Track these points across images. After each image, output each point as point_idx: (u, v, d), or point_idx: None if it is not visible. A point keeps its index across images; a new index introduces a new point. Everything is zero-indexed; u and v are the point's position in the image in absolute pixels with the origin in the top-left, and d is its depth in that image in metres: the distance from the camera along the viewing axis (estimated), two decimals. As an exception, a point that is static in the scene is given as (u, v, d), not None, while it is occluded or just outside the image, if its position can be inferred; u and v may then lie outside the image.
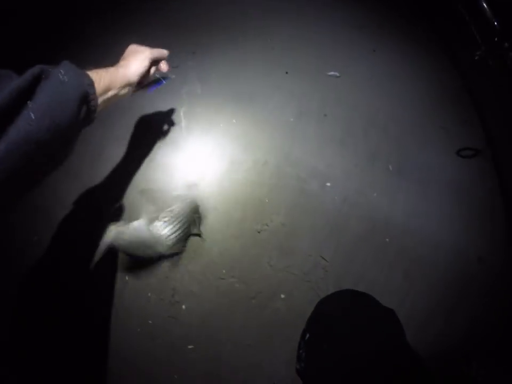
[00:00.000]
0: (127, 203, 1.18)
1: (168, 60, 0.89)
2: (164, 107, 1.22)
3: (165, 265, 1.18)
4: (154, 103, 1.23)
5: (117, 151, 1.22)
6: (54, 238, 1.25)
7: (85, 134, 1.16)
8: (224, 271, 1.16)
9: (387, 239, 1.17)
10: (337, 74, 1.18)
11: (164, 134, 1.22)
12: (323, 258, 1.14)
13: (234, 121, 1.17)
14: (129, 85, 0.73)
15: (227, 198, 1.15)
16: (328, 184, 1.14)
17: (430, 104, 1.28)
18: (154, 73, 0.87)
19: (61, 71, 0.52)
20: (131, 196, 1.17)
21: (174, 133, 1.22)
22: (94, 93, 0.60)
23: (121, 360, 1.13)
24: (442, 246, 1.19)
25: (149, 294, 1.18)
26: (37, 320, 1.15)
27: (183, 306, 1.16)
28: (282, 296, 1.15)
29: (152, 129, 1.25)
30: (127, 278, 1.20)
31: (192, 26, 1.32)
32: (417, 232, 1.18)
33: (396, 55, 1.28)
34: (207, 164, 1.16)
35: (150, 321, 1.15)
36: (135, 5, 1.35)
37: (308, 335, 1.13)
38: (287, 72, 1.21)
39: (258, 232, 1.13)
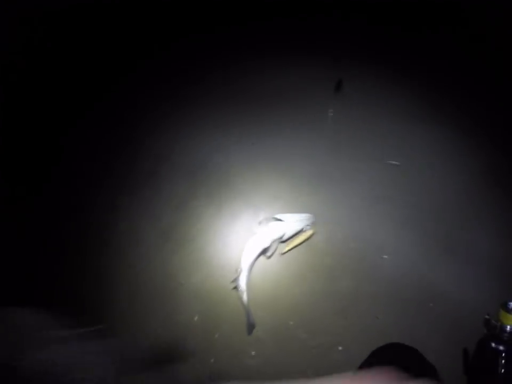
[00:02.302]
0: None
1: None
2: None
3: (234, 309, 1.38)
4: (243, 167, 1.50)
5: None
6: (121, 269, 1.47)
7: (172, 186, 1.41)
8: (291, 323, 1.37)
9: (431, 304, 1.38)
10: (398, 163, 1.45)
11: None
12: (377, 317, 1.35)
13: (312, 198, 1.43)
14: None
15: (300, 263, 1.39)
16: (385, 256, 1.38)
17: (477, 187, 1.50)
18: None
19: None
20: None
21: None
22: None
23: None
24: (481, 312, 1.36)
25: (216, 336, 1.38)
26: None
27: (253, 353, 1.35)
28: (340, 348, 1.35)
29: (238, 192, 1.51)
30: (196, 318, 1.41)
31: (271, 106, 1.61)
32: (459, 299, 1.36)
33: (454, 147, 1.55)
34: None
35: (211, 360, 1.34)
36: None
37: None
38: (350, 159, 1.48)
39: (327, 293, 1.35)
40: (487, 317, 1.18)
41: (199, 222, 1.48)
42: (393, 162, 1.43)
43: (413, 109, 1.59)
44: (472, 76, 1.58)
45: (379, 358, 1.34)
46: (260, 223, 1.39)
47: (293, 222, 1.37)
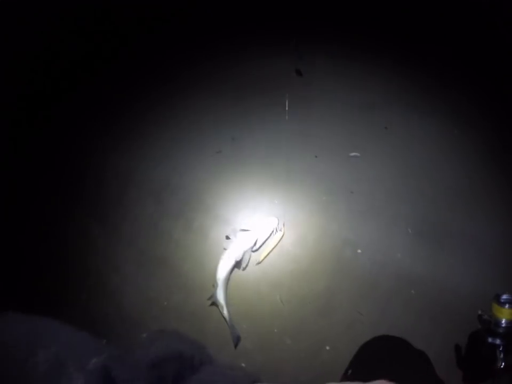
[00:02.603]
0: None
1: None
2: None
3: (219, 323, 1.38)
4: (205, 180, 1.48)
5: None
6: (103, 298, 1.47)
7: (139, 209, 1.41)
8: (276, 330, 1.36)
9: (413, 291, 1.37)
10: (358, 154, 1.42)
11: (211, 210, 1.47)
12: (360, 313, 1.35)
13: (276, 201, 1.41)
14: None
15: (275, 270, 1.37)
16: (359, 250, 1.36)
17: (435, 166, 1.48)
18: None
19: None
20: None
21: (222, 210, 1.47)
22: None
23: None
24: (463, 291, 1.35)
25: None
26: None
27: (242, 364, 1.35)
28: (328, 348, 1.34)
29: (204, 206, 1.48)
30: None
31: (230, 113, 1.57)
32: (439, 282, 1.37)
33: (407, 130, 1.51)
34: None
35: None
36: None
37: (349, 371, 1.32)
38: (316, 156, 1.45)
39: (305, 296, 1.34)
40: (479, 312, 1.16)
41: (170, 241, 1.46)
42: (354, 154, 1.40)
43: (382, 98, 1.56)
44: (461, 58, 1.54)
45: (367, 352, 1.35)
46: (227, 237, 1.37)
47: (260, 229, 1.35)
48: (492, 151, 1.49)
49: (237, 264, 1.36)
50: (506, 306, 1.09)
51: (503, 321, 1.09)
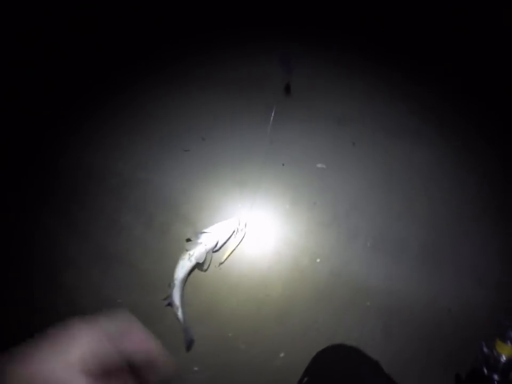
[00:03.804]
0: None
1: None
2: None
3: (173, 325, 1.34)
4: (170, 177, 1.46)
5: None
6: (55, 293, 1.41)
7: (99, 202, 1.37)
8: (230, 334, 1.35)
9: (368, 303, 1.40)
10: (324, 166, 1.45)
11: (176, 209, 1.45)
12: (316, 321, 1.36)
13: (239, 205, 1.41)
14: None
15: (233, 273, 1.37)
16: (318, 260, 1.38)
17: (397, 183, 1.54)
18: None
19: None
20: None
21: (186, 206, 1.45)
22: None
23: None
24: (416, 303, 1.39)
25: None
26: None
27: (195, 368, 1.32)
28: (282, 355, 1.34)
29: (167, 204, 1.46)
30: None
31: (201, 115, 1.57)
32: (394, 294, 1.40)
33: (372, 146, 1.56)
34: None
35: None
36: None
37: (305, 379, 1.32)
38: (283, 164, 1.47)
39: (262, 301, 1.34)
40: (482, 343, 1.17)
41: (130, 237, 1.43)
42: (321, 165, 1.43)
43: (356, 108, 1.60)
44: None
45: (322, 360, 1.36)
46: (188, 239, 1.35)
47: (222, 229, 1.35)
48: (452, 169, 1.56)
49: (199, 266, 1.34)
50: (509, 343, 1.10)
51: (503, 357, 1.10)
